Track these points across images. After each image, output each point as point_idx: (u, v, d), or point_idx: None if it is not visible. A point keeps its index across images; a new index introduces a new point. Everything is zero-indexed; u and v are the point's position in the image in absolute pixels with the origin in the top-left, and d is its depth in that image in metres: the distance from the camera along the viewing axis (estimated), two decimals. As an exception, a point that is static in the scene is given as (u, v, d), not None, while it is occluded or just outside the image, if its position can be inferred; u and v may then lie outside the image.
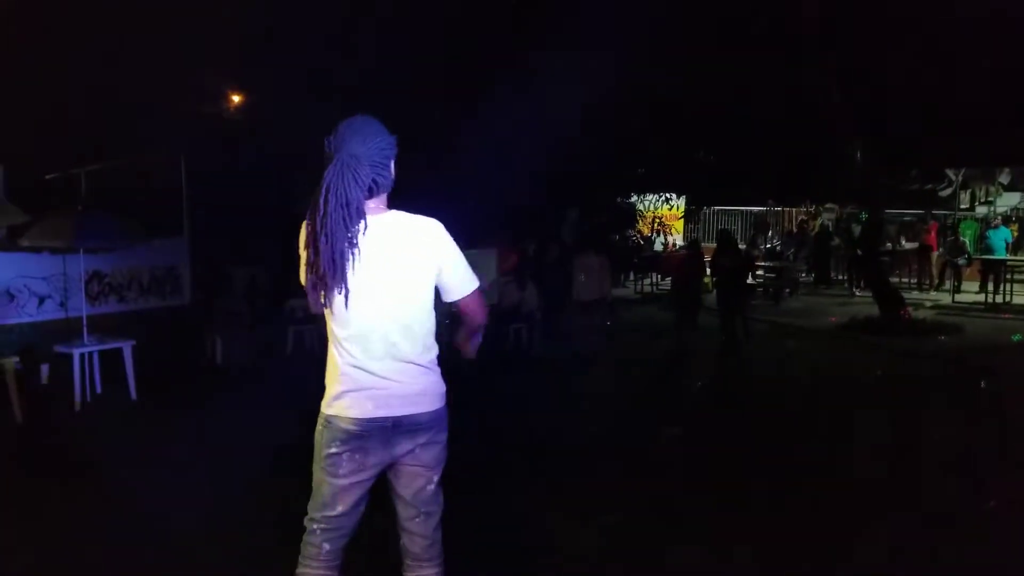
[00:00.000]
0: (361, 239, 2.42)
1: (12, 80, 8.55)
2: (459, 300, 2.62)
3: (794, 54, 10.67)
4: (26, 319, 7.53)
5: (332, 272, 2.40)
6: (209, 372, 8.56)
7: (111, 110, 9.14)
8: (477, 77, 9.72)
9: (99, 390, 7.40)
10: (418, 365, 2.57)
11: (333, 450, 2.56)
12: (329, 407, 2.58)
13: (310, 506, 2.64)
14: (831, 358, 9.71)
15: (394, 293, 2.50)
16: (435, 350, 2.63)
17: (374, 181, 2.44)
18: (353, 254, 2.42)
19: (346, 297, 2.45)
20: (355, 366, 2.54)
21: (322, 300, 2.49)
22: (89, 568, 3.89)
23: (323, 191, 2.37)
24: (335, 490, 2.59)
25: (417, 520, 2.64)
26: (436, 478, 2.65)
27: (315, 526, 2.62)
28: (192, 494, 4.85)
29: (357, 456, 2.56)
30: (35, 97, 8.89)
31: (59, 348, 7.07)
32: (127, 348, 7.28)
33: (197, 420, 6.42)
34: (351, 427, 2.55)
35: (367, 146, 2.42)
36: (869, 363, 9.17)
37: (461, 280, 2.59)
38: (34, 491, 4.99)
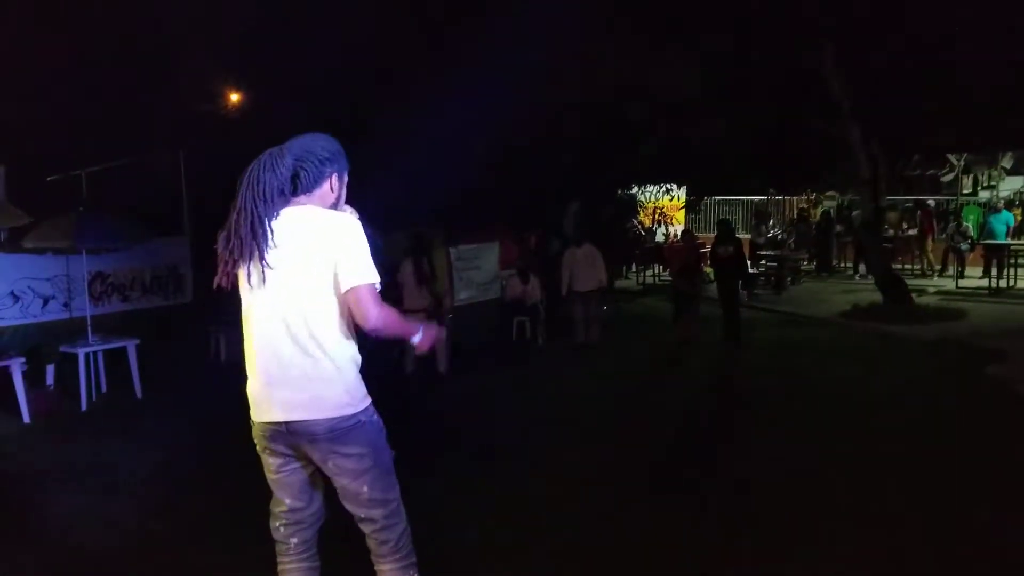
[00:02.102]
0: (273, 223, 2.40)
1: (14, 81, 8.56)
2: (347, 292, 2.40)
3: (795, 41, 10.62)
4: (31, 320, 7.55)
5: (240, 249, 2.40)
6: (213, 370, 8.57)
7: (111, 111, 9.14)
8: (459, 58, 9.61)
9: (104, 389, 7.43)
10: (314, 364, 2.41)
11: (258, 448, 2.60)
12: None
13: (271, 503, 2.68)
14: (834, 345, 9.69)
15: (290, 284, 2.41)
16: (345, 349, 2.47)
17: (296, 174, 2.46)
18: (263, 233, 2.39)
19: (249, 279, 2.44)
20: (255, 359, 2.51)
21: (227, 278, 2.48)
22: (101, 556, 3.93)
23: (244, 174, 2.46)
24: (274, 485, 2.62)
25: (362, 524, 2.59)
26: (366, 488, 2.50)
27: (276, 523, 2.65)
28: (196, 493, 4.88)
29: (275, 454, 2.56)
30: (37, 98, 8.90)
31: (64, 348, 7.10)
32: (131, 347, 7.31)
33: (202, 418, 6.43)
34: (256, 429, 2.56)
35: (296, 143, 2.49)
36: (872, 349, 9.18)
37: (351, 272, 2.39)
38: (43, 491, 5.02)
